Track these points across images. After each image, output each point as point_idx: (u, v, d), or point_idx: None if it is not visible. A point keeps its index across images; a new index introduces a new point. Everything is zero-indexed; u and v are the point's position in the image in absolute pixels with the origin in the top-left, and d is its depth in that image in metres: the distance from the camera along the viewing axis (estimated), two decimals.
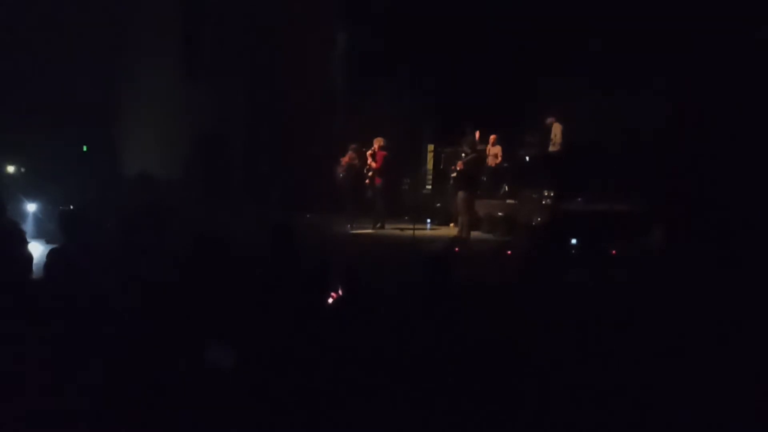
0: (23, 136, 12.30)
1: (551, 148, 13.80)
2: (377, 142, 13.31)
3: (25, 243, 5.50)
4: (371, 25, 15.68)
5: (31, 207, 9.99)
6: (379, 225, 13.29)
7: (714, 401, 4.51)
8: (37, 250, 6.42)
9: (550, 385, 4.58)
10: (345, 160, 13.41)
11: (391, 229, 13.18)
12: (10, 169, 11.96)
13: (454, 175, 12.47)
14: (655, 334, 5.63)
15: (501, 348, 4.96)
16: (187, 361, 4.33)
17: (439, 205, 14.64)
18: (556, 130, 13.74)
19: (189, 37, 16.13)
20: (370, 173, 13.31)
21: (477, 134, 13.74)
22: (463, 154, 12.35)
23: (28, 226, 9.49)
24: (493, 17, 14.86)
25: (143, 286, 4.93)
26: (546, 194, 12.92)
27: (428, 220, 13.93)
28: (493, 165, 14.56)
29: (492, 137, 14.54)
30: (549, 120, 13.85)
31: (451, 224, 13.44)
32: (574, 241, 9.57)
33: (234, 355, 4.34)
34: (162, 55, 15.31)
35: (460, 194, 11.87)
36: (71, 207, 6.50)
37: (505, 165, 14.63)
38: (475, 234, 12.33)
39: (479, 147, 13.23)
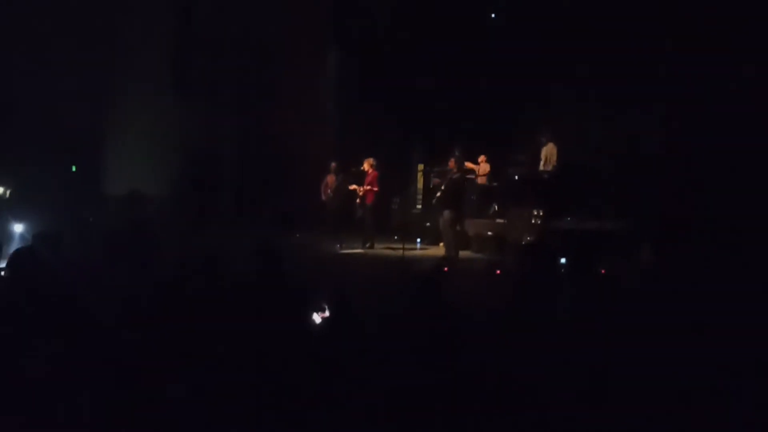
0: (11, 157, 12.26)
1: (543, 167, 13.83)
2: (368, 162, 13.34)
3: None
4: (362, 46, 15.77)
5: (18, 228, 9.93)
6: (368, 245, 13.28)
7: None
8: None
9: (542, 407, 4.57)
10: (331, 180, 13.45)
11: (380, 249, 13.17)
12: None
13: (438, 194, 12.50)
14: (647, 353, 5.62)
15: (491, 368, 4.95)
16: (170, 380, 4.30)
17: (428, 224, 14.64)
18: (552, 150, 13.73)
19: (179, 56, 16.18)
20: (360, 193, 13.33)
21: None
22: (452, 175, 12.36)
23: (16, 247, 9.42)
24: (484, 38, 14.99)
25: (128, 304, 4.91)
26: (535, 214, 12.93)
27: (418, 240, 13.94)
28: (483, 184, 14.60)
29: (482, 157, 14.60)
30: (544, 139, 13.83)
31: (441, 243, 13.44)
32: (563, 260, 9.58)
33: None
34: (152, 75, 15.32)
35: (445, 213, 11.84)
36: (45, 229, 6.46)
37: (495, 184, 14.67)
38: (464, 253, 12.33)
39: (464, 166, 13.24)
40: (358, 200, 13.41)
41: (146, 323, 4.84)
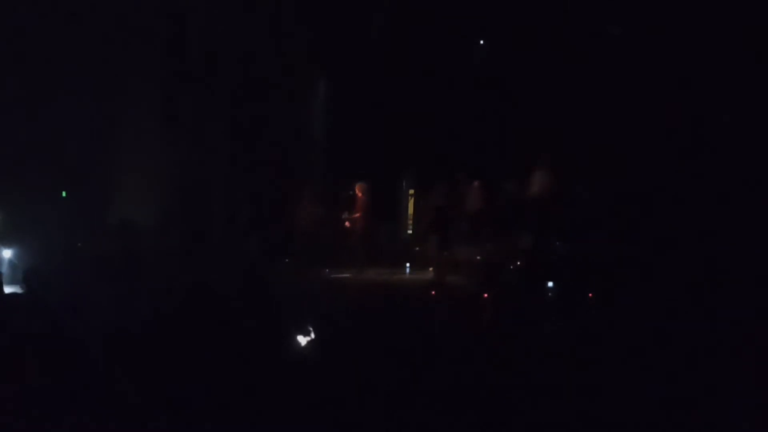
0: (1, 182, 12.27)
1: (534, 191, 13.87)
2: (359, 188, 13.45)
3: None
4: (352, 72, 15.88)
5: (6, 253, 9.93)
6: (358, 269, 13.30)
7: None
8: None
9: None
10: (309, 206, 13.59)
11: (370, 274, 13.18)
12: None
13: (428, 219, 12.57)
14: (634, 377, 5.65)
15: (477, 390, 4.99)
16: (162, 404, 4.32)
17: (418, 249, 14.68)
18: (544, 175, 13.78)
19: (171, 85, 16.25)
20: (350, 218, 13.44)
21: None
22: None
23: (4, 273, 9.41)
24: (476, 64, 15.17)
25: (115, 332, 4.94)
26: (524, 239, 13.01)
27: (407, 265, 13.97)
28: (475, 210, 14.64)
29: (476, 183, 14.66)
30: (539, 162, 13.89)
31: (430, 269, 13.48)
32: (550, 284, 9.66)
33: None
34: (144, 104, 15.38)
35: (432, 238, 11.92)
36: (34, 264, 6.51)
37: (485, 210, 14.70)
38: (453, 278, 12.36)
39: (452, 193, 13.35)
40: (348, 224, 13.50)
41: (133, 352, 4.86)
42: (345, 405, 4.52)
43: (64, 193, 13.91)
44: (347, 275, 13.02)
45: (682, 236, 11.23)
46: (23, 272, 6.00)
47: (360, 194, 13.41)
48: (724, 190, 11.30)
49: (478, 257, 13.27)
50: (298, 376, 4.72)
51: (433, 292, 9.88)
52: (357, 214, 13.38)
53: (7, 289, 8.27)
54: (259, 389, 4.58)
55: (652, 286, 9.51)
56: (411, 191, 16.61)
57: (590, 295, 9.53)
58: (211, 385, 4.61)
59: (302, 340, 5.28)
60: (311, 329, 5.29)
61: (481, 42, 16.16)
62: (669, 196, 12.17)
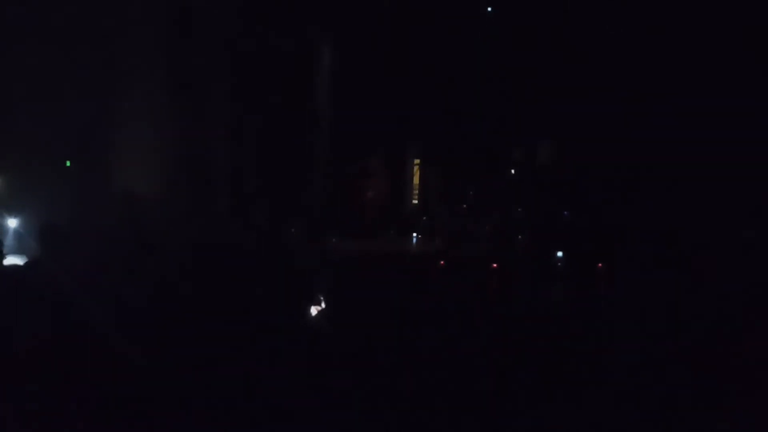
0: (4, 151, 12.23)
1: (541, 164, 13.86)
2: (369, 160, 13.54)
3: None
4: (359, 42, 15.77)
5: (12, 223, 9.91)
6: (367, 238, 13.33)
7: None
8: None
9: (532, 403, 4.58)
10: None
11: (378, 242, 13.20)
12: None
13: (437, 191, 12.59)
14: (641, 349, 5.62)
15: (482, 362, 4.96)
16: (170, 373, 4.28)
17: (424, 218, 14.67)
18: (547, 148, 13.78)
19: (174, 55, 16.13)
20: (366, 187, 13.54)
21: None
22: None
23: (10, 242, 9.40)
24: (481, 34, 15.03)
25: (119, 302, 4.88)
26: (532, 209, 12.99)
27: (414, 234, 13.98)
28: (481, 182, 14.63)
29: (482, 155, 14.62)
30: (542, 139, 13.88)
31: (437, 238, 13.49)
32: (559, 254, 9.62)
33: None
34: (148, 74, 15.27)
35: (443, 209, 11.95)
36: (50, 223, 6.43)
37: (493, 181, 14.69)
38: (461, 248, 12.36)
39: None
40: (368, 194, 13.62)
41: (138, 321, 4.80)
42: (355, 375, 4.49)
43: (68, 163, 13.87)
44: (356, 244, 13.03)
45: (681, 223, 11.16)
46: (39, 227, 5.88)
47: (371, 166, 13.49)
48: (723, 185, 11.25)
49: (487, 227, 13.28)
50: (310, 346, 4.69)
51: (442, 262, 9.86)
52: (370, 184, 13.45)
53: (12, 259, 8.25)
54: (273, 363, 4.53)
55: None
56: (416, 161, 16.54)
57: (599, 265, 9.50)
58: (222, 363, 4.55)
59: (313, 310, 5.25)
60: (322, 299, 5.26)
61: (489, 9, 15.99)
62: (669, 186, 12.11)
